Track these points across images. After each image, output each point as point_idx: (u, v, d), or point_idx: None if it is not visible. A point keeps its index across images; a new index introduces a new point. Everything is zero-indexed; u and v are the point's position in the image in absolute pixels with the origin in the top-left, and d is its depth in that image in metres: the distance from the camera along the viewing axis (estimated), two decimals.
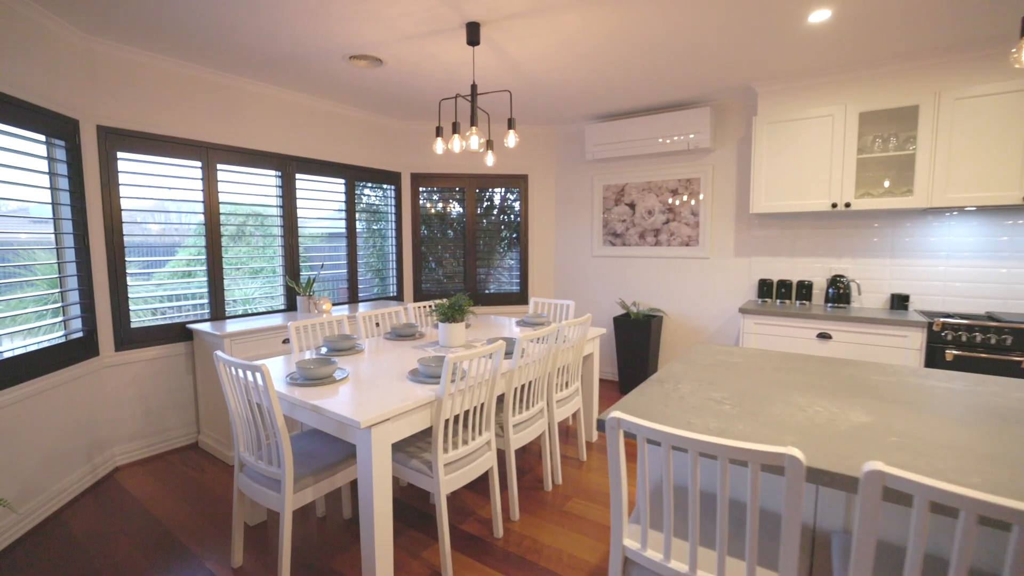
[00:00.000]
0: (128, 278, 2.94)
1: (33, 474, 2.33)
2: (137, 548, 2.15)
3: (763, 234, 3.82)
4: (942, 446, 1.14)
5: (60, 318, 2.55)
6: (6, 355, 2.21)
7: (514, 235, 4.96)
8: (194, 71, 3.13)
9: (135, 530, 2.29)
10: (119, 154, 2.85)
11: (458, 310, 2.64)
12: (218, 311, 3.33)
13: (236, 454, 1.97)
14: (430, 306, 3.57)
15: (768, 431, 1.23)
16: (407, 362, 2.36)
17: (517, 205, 4.92)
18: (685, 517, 1.33)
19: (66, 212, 2.58)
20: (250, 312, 3.53)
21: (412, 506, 2.48)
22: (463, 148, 2.62)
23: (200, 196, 3.22)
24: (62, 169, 2.57)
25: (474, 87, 2.59)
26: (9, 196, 2.30)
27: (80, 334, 2.67)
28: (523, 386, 2.41)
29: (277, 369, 2.22)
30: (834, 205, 3.21)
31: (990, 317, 2.87)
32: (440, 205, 4.83)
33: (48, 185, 2.49)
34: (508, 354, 2.46)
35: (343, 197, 4.18)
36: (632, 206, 4.45)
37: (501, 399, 2.62)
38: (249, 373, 1.77)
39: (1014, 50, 1.61)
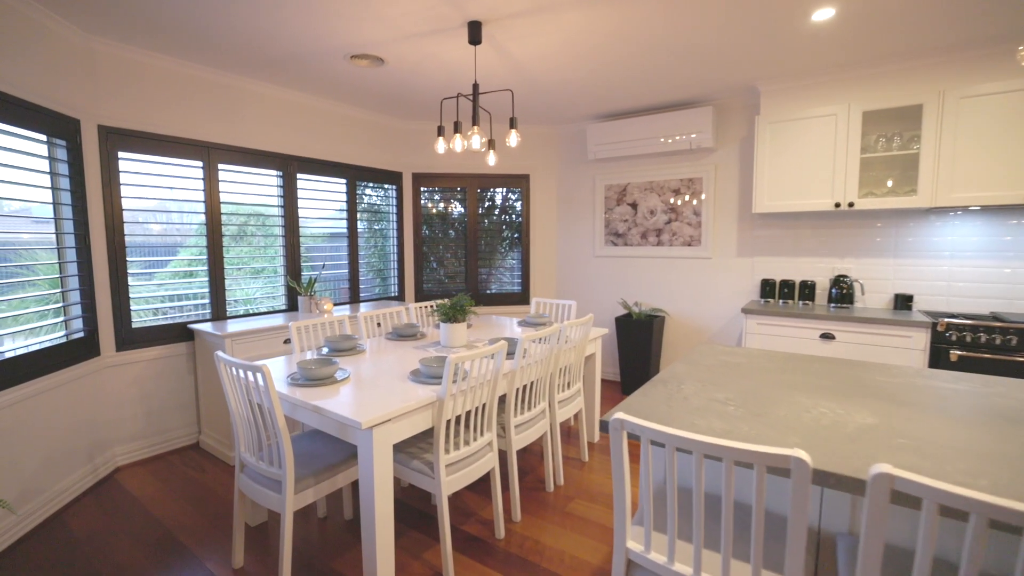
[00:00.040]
0: (129, 278, 2.94)
1: (34, 474, 2.33)
2: (138, 548, 2.15)
3: (766, 234, 3.80)
4: (949, 448, 1.12)
5: (61, 318, 2.55)
6: (7, 355, 2.21)
7: (516, 235, 4.95)
8: (195, 70, 3.13)
9: (136, 530, 2.28)
10: (120, 154, 2.85)
11: (460, 310, 2.64)
12: (219, 311, 3.32)
13: (237, 455, 1.96)
14: (431, 306, 3.57)
15: (773, 432, 1.22)
16: (408, 362, 2.35)
17: (519, 205, 4.91)
18: (688, 519, 1.32)
19: (67, 212, 2.58)
20: (251, 312, 3.53)
21: (413, 507, 2.47)
22: (465, 148, 2.61)
23: (201, 196, 3.22)
24: (63, 169, 2.57)
25: (476, 86, 2.58)
26: (10, 196, 2.30)
27: (81, 334, 2.67)
28: (525, 387, 2.40)
29: (278, 369, 2.21)
30: (837, 205, 3.19)
31: (995, 317, 2.85)
32: (441, 205, 4.82)
33: (49, 185, 2.49)
34: (510, 354, 2.45)
35: (344, 197, 4.18)
36: (634, 206, 4.44)
37: (503, 400, 2.61)
38: (250, 373, 1.76)
39: (1021, 48, 1.60)
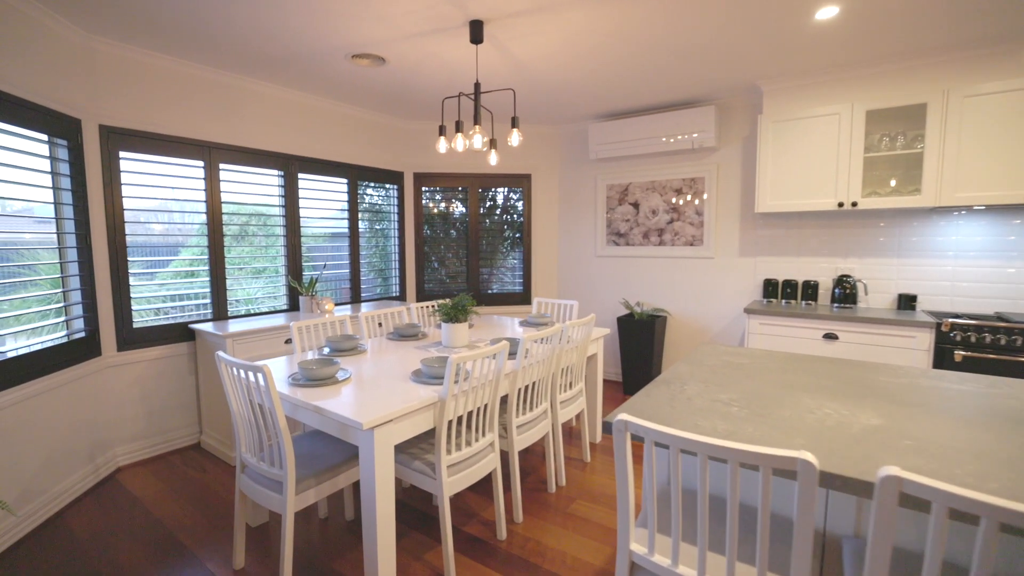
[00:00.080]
0: (130, 278, 2.93)
1: (35, 474, 2.32)
2: (139, 549, 2.14)
3: (768, 234, 3.79)
4: (957, 450, 1.11)
5: (62, 318, 2.54)
6: (9, 355, 2.20)
7: (517, 235, 4.94)
8: (196, 70, 3.12)
9: (137, 531, 2.27)
10: (121, 153, 2.85)
11: (461, 310, 2.63)
12: (220, 311, 3.32)
13: (238, 455, 1.96)
14: (433, 306, 3.56)
15: (778, 434, 1.21)
16: (410, 363, 2.34)
17: (520, 205, 4.90)
18: (691, 521, 1.30)
19: (68, 212, 2.58)
20: (253, 312, 3.52)
21: (415, 508, 2.46)
22: (466, 147, 2.60)
23: (202, 196, 3.21)
24: (64, 169, 2.57)
25: (477, 85, 2.57)
26: (12, 196, 2.29)
27: (82, 334, 2.66)
28: (527, 387, 2.39)
29: (279, 369, 2.20)
30: (840, 204, 3.17)
31: (999, 317, 2.84)
32: (443, 205, 4.81)
33: (50, 185, 2.48)
34: (512, 355, 2.44)
35: (346, 197, 4.17)
36: (636, 205, 4.43)
37: (505, 400, 2.60)
38: (251, 374, 1.76)
39: None
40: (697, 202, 4.10)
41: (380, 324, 3.29)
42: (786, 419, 1.31)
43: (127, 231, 2.90)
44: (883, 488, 0.82)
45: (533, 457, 3.02)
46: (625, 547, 1.19)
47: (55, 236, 2.52)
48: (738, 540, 1.16)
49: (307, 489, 1.83)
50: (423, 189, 4.72)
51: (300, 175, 3.77)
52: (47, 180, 2.47)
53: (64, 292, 2.58)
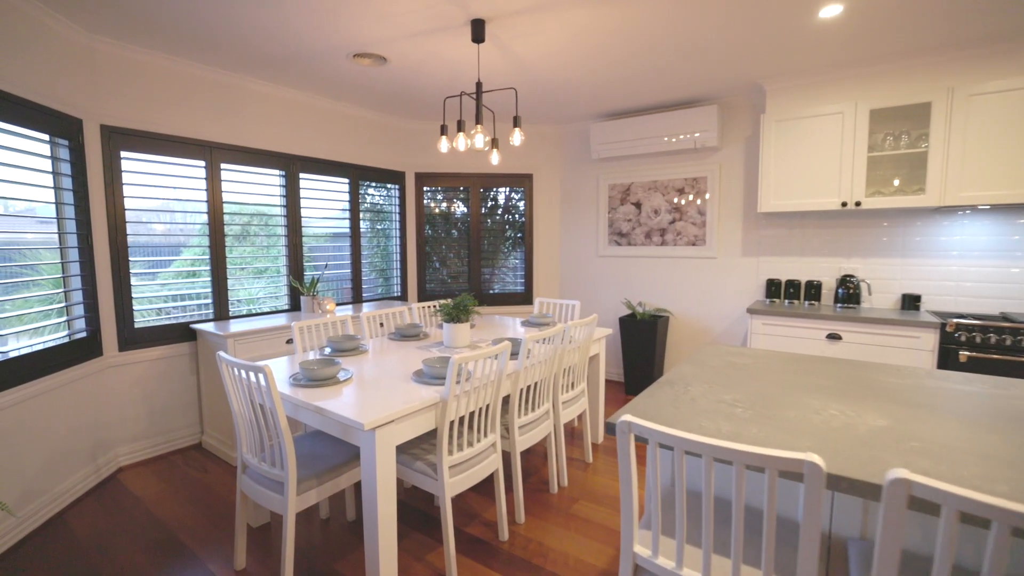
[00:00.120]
0: (132, 278, 2.93)
1: (37, 474, 2.32)
2: (140, 549, 2.13)
3: (771, 233, 3.77)
4: (964, 452, 1.10)
5: (64, 318, 2.54)
6: (11, 355, 2.20)
7: (519, 235, 4.92)
8: (197, 70, 3.12)
9: (138, 531, 2.27)
10: (122, 153, 2.84)
11: (463, 310, 2.62)
12: (222, 311, 3.31)
13: (239, 455, 1.95)
14: (434, 306, 3.55)
15: (783, 435, 1.19)
16: (411, 363, 2.33)
17: (522, 205, 4.89)
18: (695, 523, 1.29)
19: (70, 212, 2.57)
20: (254, 312, 3.52)
21: (417, 508, 2.45)
22: (468, 147, 2.59)
23: (204, 196, 3.21)
24: (66, 168, 2.56)
25: (479, 85, 2.56)
26: (13, 196, 2.29)
27: (84, 334, 2.66)
28: (529, 387, 2.38)
29: (280, 370, 2.20)
30: (844, 204, 3.16)
31: (1004, 318, 2.82)
32: (444, 205, 4.81)
33: (52, 185, 2.48)
34: (513, 355, 2.43)
35: (347, 197, 4.17)
36: (638, 205, 4.41)
37: (507, 400, 2.59)
38: (252, 374, 1.75)
39: None
40: (699, 202, 4.08)
41: (381, 324, 3.28)
42: (791, 420, 1.29)
43: (128, 231, 2.90)
44: (892, 491, 0.80)
45: (535, 458, 3.01)
46: (629, 549, 1.18)
47: (56, 236, 2.52)
48: (743, 542, 1.15)
49: (308, 490, 1.82)
50: (424, 189, 4.71)
51: (301, 175, 3.76)
52: (48, 180, 2.47)
53: (65, 292, 2.57)
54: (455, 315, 2.60)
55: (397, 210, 4.62)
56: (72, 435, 2.55)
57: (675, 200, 4.20)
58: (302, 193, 3.77)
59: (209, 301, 3.27)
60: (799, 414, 1.34)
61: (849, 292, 3.29)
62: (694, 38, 2.71)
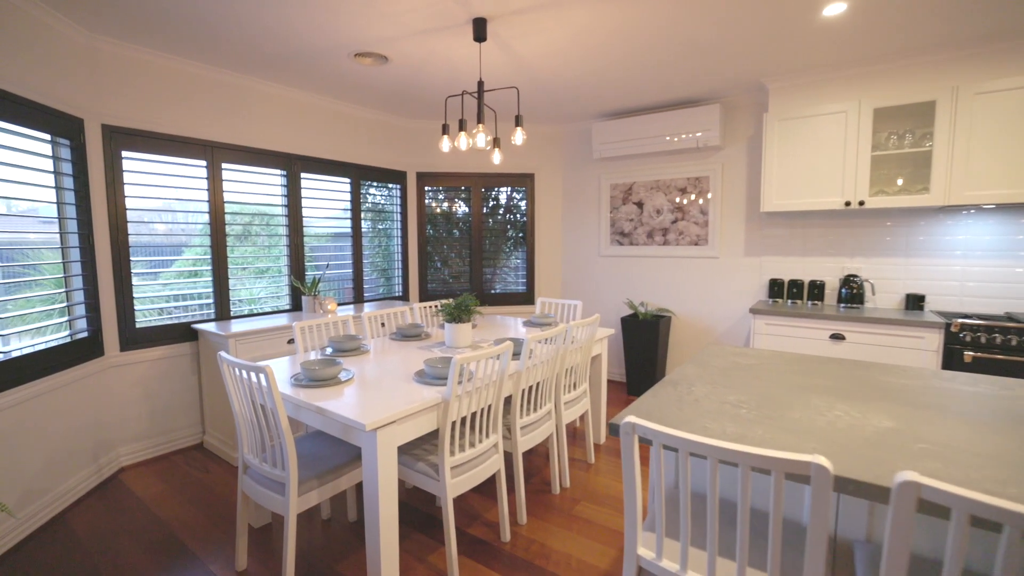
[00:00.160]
0: (133, 278, 2.92)
1: (38, 474, 2.31)
2: (141, 550, 2.13)
3: (774, 233, 3.75)
4: (973, 454, 1.08)
5: (65, 318, 2.54)
6: (13, 354, 2.20)
7: (520, 235, 4.91)
8: (198, 69, 3.11)
9: (139, 531, 2.26)
10: (124, 153, 2.84)
11: (464, 310, 2.61)
12: (223, 311, 3.31)
13: (240, 456, 1.94)
14: (436, 306, 3.54)
15: (788, 437, 1.18)
16: (413, 363, 2.32)
17: (523, 204, 4.88)
18: (699, 525, 1.28)
19: (71, 211, 2.57)
20: (255, 312, 3.51)
21: (418, 509, 2.45)
22: (470, 146, 2.58)
23: (205, 195, 3.20)
24: (67, 168, 2.56)
25: (481, 84, 2.55)
26: (15, 196, 2.28)
27: (85, 334, 2.66)
28: (531, 387, 2.37)
29: (282, 370, 2.19)
30: (847, 203, 3.14)
31: (1009, 318, 2.80)
32: (446, 204, 4.80)
33: (53, 184, 2.47)
34: (515, 355, 2.42)
35: (348, 196, 4.16)
36: (640, 205, 4.40)
37: (508, 401, 2.58)
38: (253, 374, 1.74)
39: None
40: (702, 201, 4.07)
41: (383, 324, 3.27)
42: (796, 421, 1.28)
43: (130, 231, 2.89)
44: (901, 494, 0.79)
45: (537, 458, 3.00)
46: (632, 552, 1.16)
47: (58, 236, 2.51)
48: (749, 545, 1.14)
49: (309, 490, 1.81)
50: (426, 189, 4.70)
51: (303, 175, 3.76)
52: (50, 180, 2.46)
53: (67, 292, 2.57)
54: (457, 315, 2.59)
55: (398, 210, 4.61)
56: (73, 435, 2.54)
57: (677, 200, 4.19)
58: (303, 193, 3.77)
59: (211, 301, 3.27)
60: (804, 415, 1.33)
61: (852, 292, 3.27)
62: (696, 37, 2.69)
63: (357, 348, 2.56)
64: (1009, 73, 2.76)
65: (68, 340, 2.52)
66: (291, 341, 3.14)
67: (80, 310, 2.65)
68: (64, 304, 2.54)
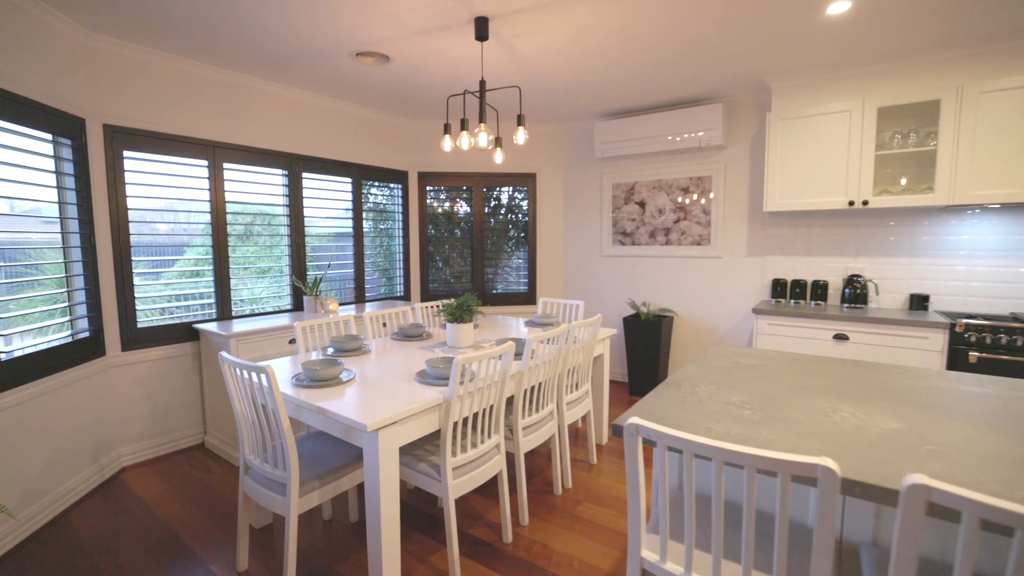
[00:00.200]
0: (135, 277, 2.92)
1: (39, 474, 2.31)
2: (142, 550, 2.12)
3: (777, 233, 3.74)
4: (981, 456, 1.07)
5: (67, 318, 2.53)
6: (16, 354, 2.19)
7: (522, 234, 4.90)
8: (199, 69, 3.11)
9: (140, 532, 2.26)
10: (125, 153, 2.84)
11: (466, 310, 2.60)
12: (225, 311, 3.30)
13: (241, 456, 1.94)
14: (438, 306, 3.53)
15: (793, 438, 1.17)
16: (414, 363, 2.31)
17: (525, 204, 4.87)
18: (703, 528, 1.27)
19: (73, 211, 2.56)
20: (257, 312, 3.51)
21: (420, 510, 2.44)
22: (472, 145, 2.57)
23: (207, 195, 3.20)
24: (68, 168, 2.55)
25: (482, 83, 2.54)
26: (17, 196, 2.28)
27: (86, 334, 2.65)
28: (533, 388, 2.36)
29: (283, 370, 2.18)
30: (851, 203, 3.12)
31: (1015, 318, 2.78)
32: (447, 204, 4.79)
33: (55, 184, 2.47)
34: (517, 355, 2.41)
35: (350, 196, 4.15)
36: (642, 205, 4.39)
37: (510, 401, 2.57)
38: (254, 374, 1.73)
39: None
40: (704, 201, 4.05)
41: (384, 324, 3.27)
42: (801, 422, 1.27)
43: (131, 231, 2.89)
44: (909, 497, 0.78)
45: (539, 459, 2.99)
46: (636, 554, 1.15)
47: (60, 236, 2.51)
48: (754, 548, 1.13)
49: (311, 491, 1.80)
50: (427, 188, 4.70)
51: (304, 174, 3.75)
52: (52, 180, 2.46)
53: (68, 292, 2.57)
54: (458, 315, 2.59)
55: (400, 210, 4.61)
56: (75, 435, 2.54)
57: (679, 199, 4.18)
58: (305, 193, 3.76)
59: (212, 301, 3.26)
60: (809, 416, 1.31)
61: (856, 292, 3.26)
62: (698, 35, 2.68)
63: (358, 348, 2.55)
64: (1014, 72, 2.74)
65: (69, 340, 2.52)
66: (293, 341, 3.13)
67: (82, 310, 2.65)
68: (66, 304, 2.54)
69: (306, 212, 3.78)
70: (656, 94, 3.76)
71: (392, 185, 4.54)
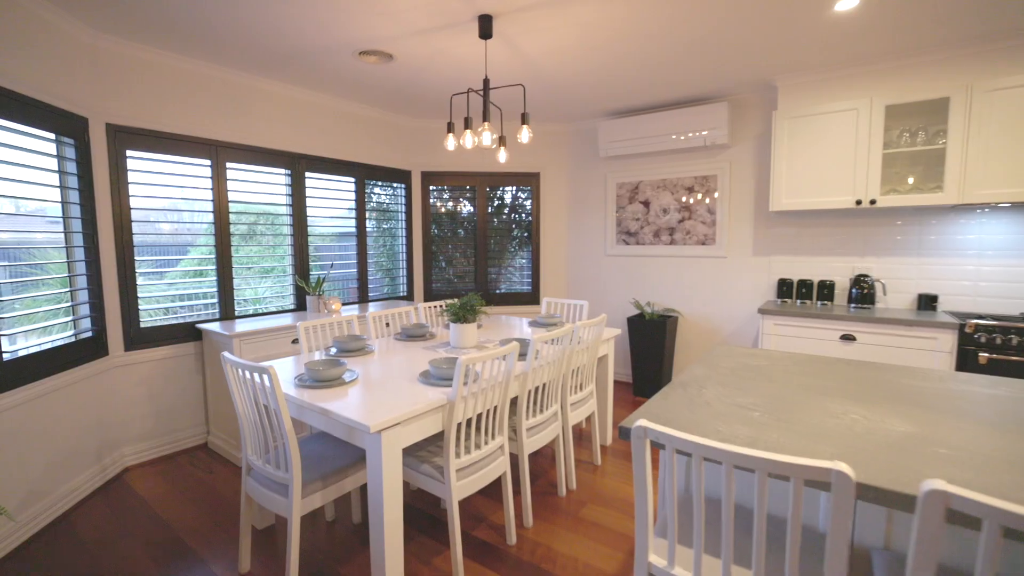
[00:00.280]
0: (138, 277, 2.92)
1: (42, 474, 2.31)
2: (144, 551, 2.12)
3: (783, 232, 3.71)
4: (996, 459, 1.05)
5: (70, 317, 2.53)
6: (19, 354, 2.19)
7: (526, 234, 4.88)
8: (202, 68, 3.10)
9: (143, 533, 2.25)
10: (128, 152, 2.83)
11: (470, 310, 2.58)
12: (228, 311, 3.30)
13: (244, 457, 1.93)
14: (441, 306, 3.52)
15: (804, 441, 1.15)
16: (418, 363, 2.30)
17: (529, 203, 4.85)
18: (712, 532, 1.25)
19: (76, 211, 2.56)
20: (260, 312, 3.50)
21: (423, 511, 2.42)
22: (475, 144, 2.55)
23: (210, 195, 3.19)
24: (71, 168, 2.55)
25: (486, 81, 2.52)
26: (20, 195, 2.28)
27: (89, 333, 2.65)
28: (537, 389, 2.34)
29: (285, 370, 2.17)
30: (858, 202, 3.09)
31: None
32: (451, 204, 4.78)
33: (58, 184, 2.47)
34: (521, 356, 2.39)
35: (353, 196, 4.14)
36: (647, 204, 4.36)
37: (514, 402, 2.55)
38: (256, 375, 1.72)
39: None
40: (709, 200, 4.02)
41: (387, 324, 3.25)
42: (811, 425, 1.25)
43: (134, 230, 2.89)
44: (928, 504, 0.76)
45: (543, 460, 2.97)
46: (643, 559, 1.13)
47: (63, 235, 2.50)
48: (765, 553, 1.11)
49: (313, 492, 1.79)
50: (431, 188, 4.68)
51: (307, 174, 3.74)
52: (54, 179, 2.45)
53: (71, 291, 2.56)
54: (462, 315, 2.57)
55: (403, 209, 4.59)
56: (78, 434, 2.54)
57: (684, 199, 4.15)
58: (308, 192, 3.75)
59: (215, 301, 3.26)
60: (819, 418, 1.29)
61: (863, 292, 3.22)
62: (703, 33, 2.65)
63: (361, 348, 2.54)
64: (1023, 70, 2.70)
65: (73, 339, 2.52)
66: (295, 341, 3.12)
67: (85, 309, 2.64)
68: (69, 304, 2.54)
69: (309, 212, 3.77)
70: (661, 93, 3.73)
71: (395, 184, 4.53)
